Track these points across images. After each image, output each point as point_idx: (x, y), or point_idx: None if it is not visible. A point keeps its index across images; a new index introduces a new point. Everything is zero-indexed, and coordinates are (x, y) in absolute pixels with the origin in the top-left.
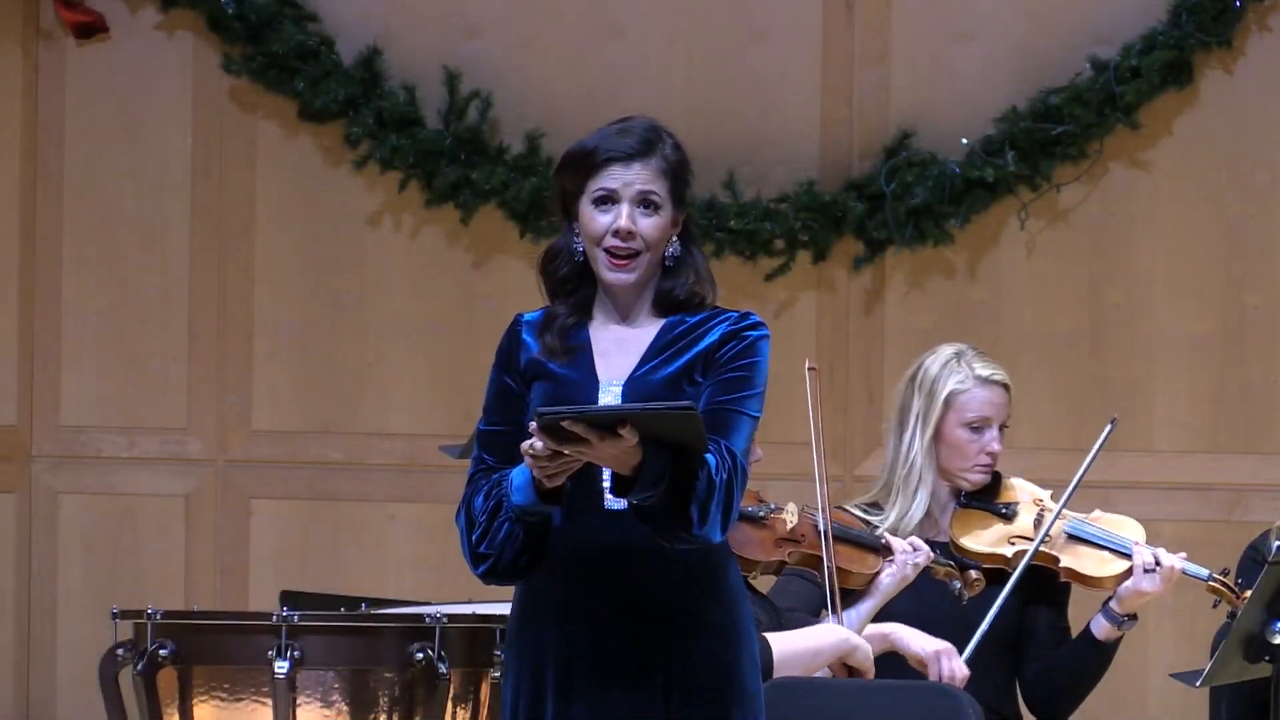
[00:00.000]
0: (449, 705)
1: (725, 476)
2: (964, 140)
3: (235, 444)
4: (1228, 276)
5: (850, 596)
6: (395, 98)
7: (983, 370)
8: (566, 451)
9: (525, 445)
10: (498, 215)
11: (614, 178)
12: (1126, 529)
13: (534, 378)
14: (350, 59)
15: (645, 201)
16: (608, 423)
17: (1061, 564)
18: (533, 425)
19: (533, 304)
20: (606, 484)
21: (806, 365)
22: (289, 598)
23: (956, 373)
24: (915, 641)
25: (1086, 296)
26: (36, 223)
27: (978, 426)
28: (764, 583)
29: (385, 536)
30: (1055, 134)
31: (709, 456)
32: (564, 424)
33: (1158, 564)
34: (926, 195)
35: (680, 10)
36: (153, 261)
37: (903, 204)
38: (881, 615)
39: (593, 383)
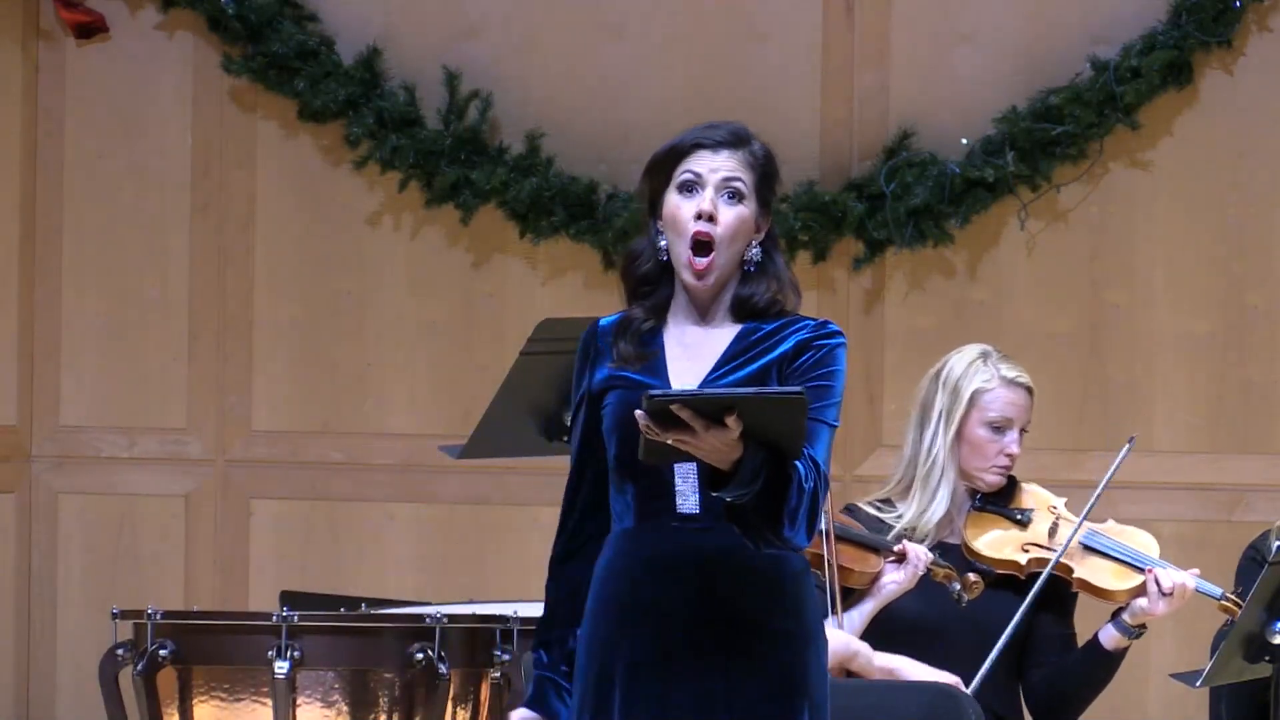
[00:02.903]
0: (449, 705)
1: (812, 484)
2: (964, 140)
3: (235, 444)
4: (1228, 276)
5: (852, 597)
6: (395, 98)
7: (1008, 372)
8: (670, 441)
9: None
10: (498, 215)
11: (700, 163)
12: (1140, 541)
13: (608, 388)
14: (350, 59)
15: (730, 189)
16: (715, 409)
17: (1075, 574)
18: (638, 413)
19: (531, 304)
20: (678, 487)
21: None
22: (289, 598)
23: (982, 371)
24: (922, 679)
25: (1086, 296)
26: (36, 223)
27: (999, 427)
28: None
29: (385, 536)
30: (1055, 134)
31: (796, 463)
32: (673, 408)
33: (1172, 585)
34: (926, 195)
35: (680, 10)
36: (153, 261)
37: (903, 204)
38: (887, 616)
39: (665, 388)
